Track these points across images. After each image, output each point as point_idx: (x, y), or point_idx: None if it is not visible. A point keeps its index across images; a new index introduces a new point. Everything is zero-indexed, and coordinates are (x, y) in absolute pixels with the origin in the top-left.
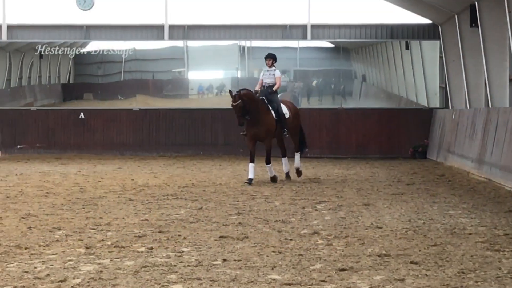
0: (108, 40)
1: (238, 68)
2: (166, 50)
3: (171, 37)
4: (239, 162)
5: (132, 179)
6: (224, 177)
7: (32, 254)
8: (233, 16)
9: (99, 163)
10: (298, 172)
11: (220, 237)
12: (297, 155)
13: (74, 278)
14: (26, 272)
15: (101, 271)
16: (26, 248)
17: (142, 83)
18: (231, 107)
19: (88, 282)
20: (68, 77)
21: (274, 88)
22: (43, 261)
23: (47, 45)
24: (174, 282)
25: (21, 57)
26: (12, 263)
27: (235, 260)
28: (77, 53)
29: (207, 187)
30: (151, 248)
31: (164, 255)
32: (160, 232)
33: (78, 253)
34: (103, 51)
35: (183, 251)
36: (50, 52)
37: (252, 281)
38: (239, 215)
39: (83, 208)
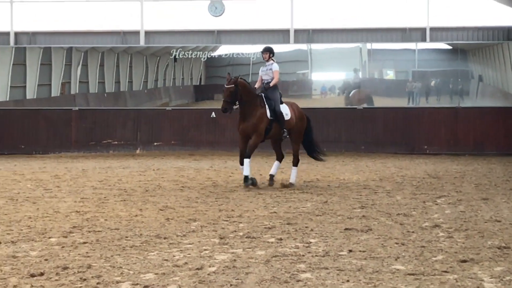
0: (237, 44)
1: (359, 70)
2: (291, 53)
3: (296, 41)
4: (361, 158)
5: (261, 174)
6: (347, 173)
7: (170, 243)
8: (354, 20)
9: (229, 159)
10: (289, 185)
11: (345, 229)
12: (294, 171)
13: (210, 266)
14: (166, 260)
15: (234, 260)
16: (165, 238)
17: None
18: (223, 90)
19: (223, 270)
20: (200, 79)
21: (271, 84)
22: (181, 250)
23: (181, 49)
24: (303, 271)
25: (157, 61)
26: (153, 252)
27: (360, 251)
28: (208, 56)
29: (331, 182)
30: (281, 239)
31: (293, 245)
32: (288, 224)
33: (213, 243)
34: (232, 54)
35: (310, 242)
36: (184, 56)
37: (377, 271)
38: (362, 208)
39: (216, 201)
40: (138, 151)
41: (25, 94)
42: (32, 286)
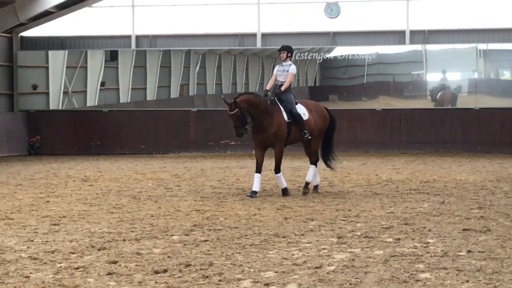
0: (353, 46)
1: (476, 70)
2: (406, 53)
3: (411, 42)
4: (477, 159)
5: (376, 174)
6: (463, 173)
7: (289, 242)
8: (470, 20)
9: (344, 160)
10: (307, 188)
11: (463, 229)
12: (311, 169)
13: (328, 265)
14: (285, 258)
15: (353, 259)
16: (283, 237)
17: (384, 85)
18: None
19: (342, 269)
20: (314, 80)
21: (282, 88)
22: (299, 249)
23: (296, 50)
24: (422, 271)
25: (272, 62)
26: (272, 250)
27: (479, 252)
28: (324, 58)
29: (447, 183)
30: (398, 239)
31: (411, 245)
32: (405, 224)
33: (331, 242)
34: (348, 55)
35: (428, 242)
36: (299, 57)
37: (496, 272)
38: (480, 209)
39: (333, 200)
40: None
41: (145, 96)
42: (156, 282)
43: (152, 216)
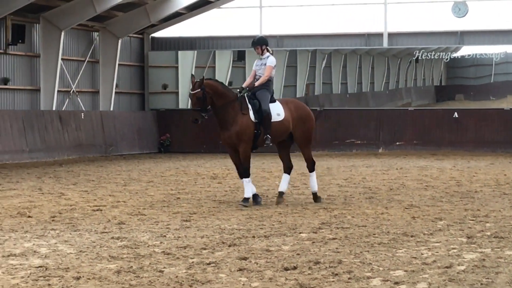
0: (480, 45)
1: None
2: None
3: None
4: None
5: (505, 174)
6: None
7: (418, 241)
8: None
9: (471, 159)
10: (316, 198)
11: None
12: (312, 177)
13: (458, 265)
14: (414, 257)
15: (483, 259)
16: (412, 236)
17: None
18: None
19: (472, 269)
20: (440, 80)
21: (256, 83)
22: (428, 248)
23: (423, 50)
24: None
25: (398, 62)
26: (401, 249)
27: None
28: (450, 57)
29: None
30: None
31: None
32: None
33: (460, 242)
34: (475, 55)
35: None
36: (426, 57)
37: None
38: None
39: (461, 200)
40: (380, 150)
41: None
42: (286, 279)
43: (280, 213)
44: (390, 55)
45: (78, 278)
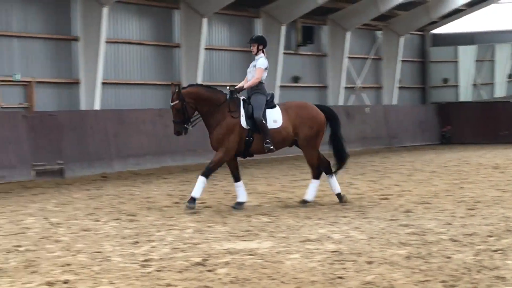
0: None
1: None
2: None
3: None
4: None
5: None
6: None
7: None
8: None
9: None
10: (302, 201)
11: None
12: (313, 185)
13: None
14: None
15: None
16: None
17: None
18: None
19: None
20: None
21: (245, 85)
22: None
23: None
24: None
25: None
26: None
27: None
28: None
29: None
30: None
31: None
32: None
33: None
34: None
35: None
36: None
37: None
38: None
39: None
40: None
41: None
42: None
43: None
44: None
45: (370, 263)
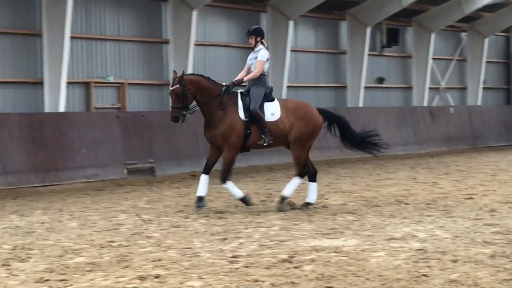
0: None
1: None
2: None
3: None
4: None
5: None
6: None
7: None
8: None
9: None
10: (281, 201)
11: None
12: (293, 182)
13: None
14: None
15: None
16: None
17: None
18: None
19: None
20: None
21: (246, 78)
22: None
23: None
24: None
25: None
26: None
27: None
28: None
29: None
30: None
31: None
32: None
33: None
34: None
35: None
36: None
37: None
38: None
39: None
40: None
41: None
42: None
43: None
44: None
45: (455, 261)
